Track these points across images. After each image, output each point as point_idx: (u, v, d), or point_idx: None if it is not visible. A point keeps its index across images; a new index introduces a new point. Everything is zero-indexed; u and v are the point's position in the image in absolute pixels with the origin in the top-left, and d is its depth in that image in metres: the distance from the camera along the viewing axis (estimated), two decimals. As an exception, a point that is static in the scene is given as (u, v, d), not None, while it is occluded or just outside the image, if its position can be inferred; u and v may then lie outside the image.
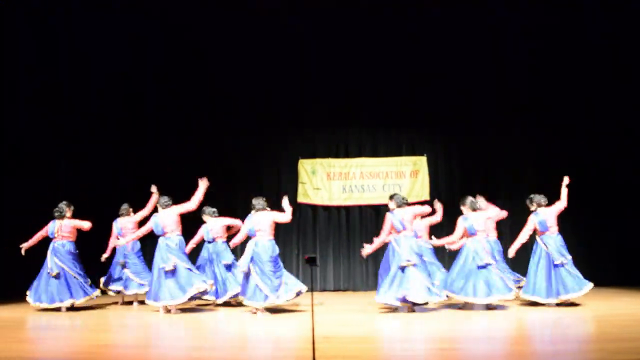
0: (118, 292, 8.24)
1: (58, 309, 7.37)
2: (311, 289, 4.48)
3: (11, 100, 9.77)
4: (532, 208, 7.44)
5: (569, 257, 7.22)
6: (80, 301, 7.56)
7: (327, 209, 10.46)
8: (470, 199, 7.32)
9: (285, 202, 7.05)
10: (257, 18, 10.56)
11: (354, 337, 5.13)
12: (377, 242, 7.16)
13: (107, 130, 10.47)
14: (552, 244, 7.19)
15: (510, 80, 10.51)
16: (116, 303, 8.28)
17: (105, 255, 8.23)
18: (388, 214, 7.05)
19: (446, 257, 9.03)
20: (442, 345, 4.74)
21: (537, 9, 10.32)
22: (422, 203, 10.21)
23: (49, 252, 7.64)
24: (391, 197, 7.16)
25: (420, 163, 10.39)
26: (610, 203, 10.04)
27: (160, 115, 10.66)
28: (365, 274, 10.15)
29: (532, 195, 7.53)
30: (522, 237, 7.38)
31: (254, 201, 7.09)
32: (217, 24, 10.61)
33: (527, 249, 7.98)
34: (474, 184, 9.99)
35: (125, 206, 8.41)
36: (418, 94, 10.52)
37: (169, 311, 7.04)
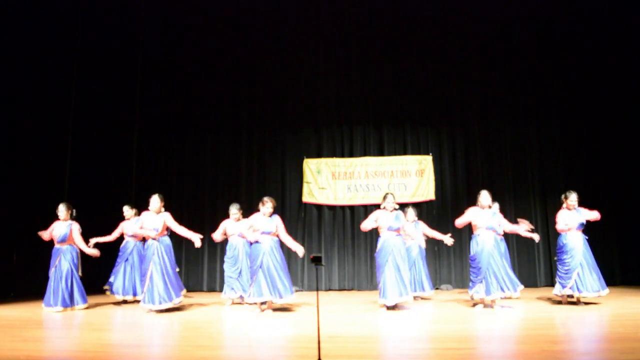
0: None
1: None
2: (317, 288, 4.44)
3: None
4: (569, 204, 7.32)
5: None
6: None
7: (332, 208, 10.46)
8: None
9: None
10: (263, 18, 10.58)
11: (359, 337, 5.11)
12: None
13: (107, 128, 10.52)
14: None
15: (518, 80, 10.50)
16: (124, 302, 8.30)
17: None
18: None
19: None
20: (450, 344, 4.71)
21: (547, 9, 10.31)
22: (427, 202, 10.25)
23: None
24: None
25: (425, 162, 10.37)
26: (615, 202, 10.01)
27: (162, 114, 10.67)
28: (370, 274, 10.15)
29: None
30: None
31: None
32: (224, 23, 10.63)
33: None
34: (480, 183, 9.98)
35: (127, 208, 8.45)
36: (423, 93, 10.52)
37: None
